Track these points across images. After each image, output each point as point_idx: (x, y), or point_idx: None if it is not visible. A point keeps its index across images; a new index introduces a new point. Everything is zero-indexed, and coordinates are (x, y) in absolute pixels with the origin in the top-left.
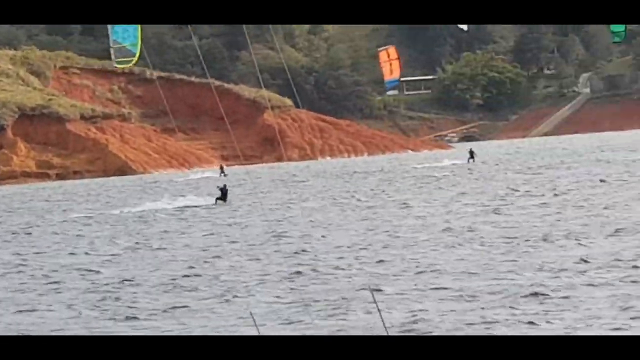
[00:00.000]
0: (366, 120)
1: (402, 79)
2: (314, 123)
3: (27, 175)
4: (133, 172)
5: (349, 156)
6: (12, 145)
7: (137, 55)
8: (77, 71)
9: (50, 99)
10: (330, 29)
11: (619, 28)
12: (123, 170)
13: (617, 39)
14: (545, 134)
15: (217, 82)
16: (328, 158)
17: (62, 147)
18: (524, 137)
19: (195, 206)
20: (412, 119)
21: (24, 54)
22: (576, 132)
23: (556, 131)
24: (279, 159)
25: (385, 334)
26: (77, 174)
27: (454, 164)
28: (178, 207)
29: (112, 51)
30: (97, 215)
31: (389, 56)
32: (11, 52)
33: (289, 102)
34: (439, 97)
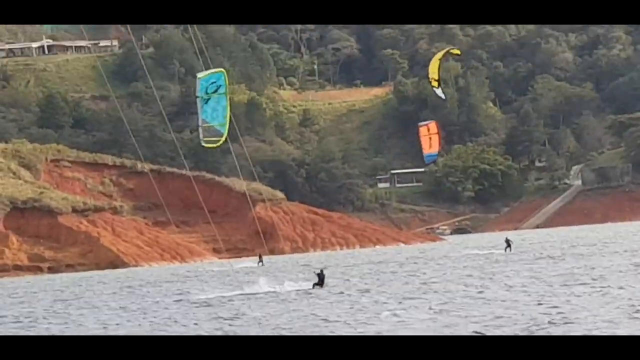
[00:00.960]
0: (358, 213)
1: (392, 171)
2: (305, 216)
3: (19, 269)
4: (125, 265)
5: (341, 249)
6: (4, 238)
7: (225, 135)
8: (68, 164)
9: (41, 192)
10: (322, 121)
11: None
12: (115, 263)
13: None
14: (537, 226)
15: (208, 175)
16: (319, 251)
17: (54, 240)
18: (515, 229)
19: (298, 290)
20: (404, 212)
21: (15, 147)
22: (567, 224)
23: (548, 223)
24: (271, 251)
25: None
26: (69, 267)
27: (491, 252)
28: (290, 291)
29: (200, 130)
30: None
31: (429, 131)
32: (2, 145)
33: (280, 194)
34: (430, 190)
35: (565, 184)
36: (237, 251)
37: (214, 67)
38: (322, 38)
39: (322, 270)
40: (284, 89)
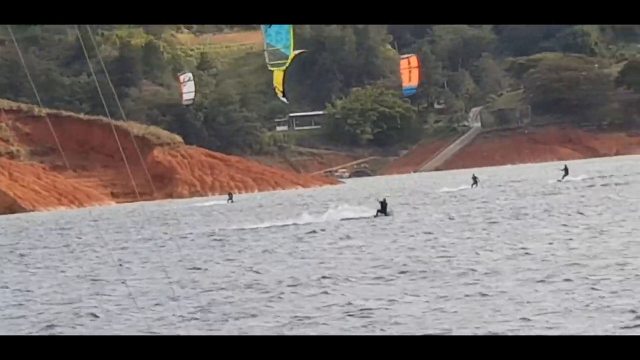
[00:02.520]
0: (256, 156)
1: (291, 114)
2: (203, 160)
3: None
4: (22, 210)
5: (239, 192)
6: None
7: (291, 57)
8: None
9: None
10: (219, 65)
11: None
12: (12, 208)
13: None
14: (436, 169)
15: (105, 119)
16: (217, 195)
17: None
18: (414, 171)
19: (360, 217)
20: (302, 155)
21: None
22: (466, 166)
23: (447, 165)
24: (169, 195)
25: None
26: None
27: (461, 189)
28: (347, 218)
29: (266, 54)
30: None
31: (409, 64)
32: None
33: (178, 138)
34: (328, 133)
35: (464, 126)
36: (134, 195)
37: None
38: None
39: (384, 199)
40: (182, 33)
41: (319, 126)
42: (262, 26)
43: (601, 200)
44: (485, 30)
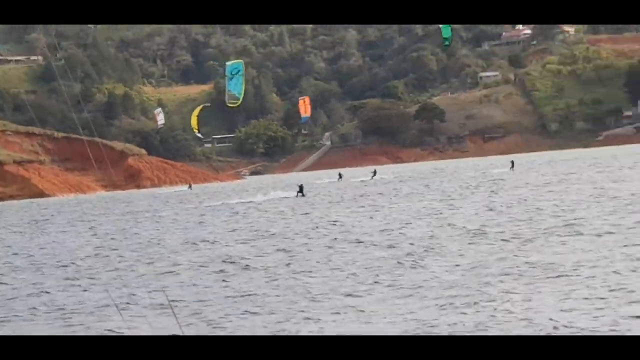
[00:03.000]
0: (192, 162)
1: (213, 136)
2: (160, 165)
3: None
4: (47, 196)
5: (182, 185)
6: None
7: (240, 100)
8: (10, 133)
9: None
10: (170, 106)
11: (447, 34)
12: (41, 195)
13: (446, 43)
14: (303, 170)
15: (99, 140)
16: (169, 186)
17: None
18: (290, 172)
19: (286, 197)
20: (221, 162)
21: None
22: (322, 169)
23: (310, 168)
24: (137, 187)
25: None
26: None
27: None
28: (276, 198)
29: (226, 96)
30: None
31: (305, 102)
32: None
33: (144, 151)
34: (237, 148)
35: (320, 144)
36: (116, 187)
37: (103, 74)
38: (169, 54)
39: (302, 185)
40: (147, 86)
41: (231, 144)
42: (226, 78)
43: (395, 190)
44: (334, 85)
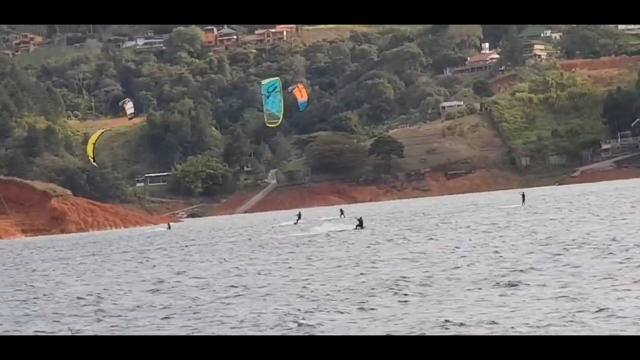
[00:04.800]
0: (122, 204)
1: (146, 175)
2: (86, 206)
3: None
4: None
5: (111, 229)
6: None
7: (280, 119)
8: None
9: None
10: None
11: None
12: None
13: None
14: (246, 212)
15: (18, 179)
16: (96, 231)
17: None
18: (231, 214)
19: (343, 230)
20: (154, 203)
21: None
22: (266, 210)
23: (253, 210)
24: (62, 231)
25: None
26: None
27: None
28: (339, 231)
29: (265, 115)
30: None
31: (299, 88)
32: None
33: (68, 192)
34: (172, 187)
35: (265, 182)
36: (38, 231)
37: (23, 106)
38: (97, 84)
39: (361, 217)
40: (71, 119)
41: (166, 183)
42: (263, 97)
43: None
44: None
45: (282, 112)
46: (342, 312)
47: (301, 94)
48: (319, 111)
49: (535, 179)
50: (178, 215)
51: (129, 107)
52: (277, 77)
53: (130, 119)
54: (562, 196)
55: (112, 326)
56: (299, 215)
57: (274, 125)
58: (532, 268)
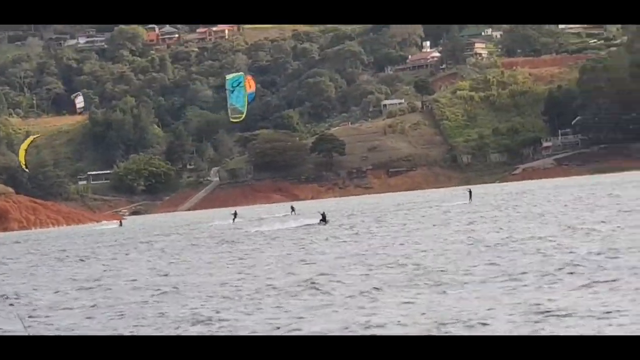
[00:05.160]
0: (65, 202)
1: (89, 172)
2: (28, 204)
3: None
4: None
5: (54, 227)
6: None
7: (244, 114)
8: None
9: None
10: (39, 139)
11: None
12: None
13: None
14: (189, 209)
15: None
16: (39, 229)
17: None
18: (174, 211)
19: (310, 224)
20: (97, 201)
21: None
22: (208, 208)
23: (196, 207)
24: (5, 229)
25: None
26: None
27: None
28: (304, 225)
29: (229, 110)
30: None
31: (248, 80)
32: None
33: (10, 190)
34: (115, 185)
35: (207, 180)
36: None
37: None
38: (38, 82)
39: (324, 212)
40: (13, 117)
41: (108, 180)
42: (227, 91)
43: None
44: (222, 115)
45: (246, 105)
46: (251, 313)
47: (250, 85)
48: (261, 109)
49: (476, 177)
50: (121, 213)
51: (79, 101)
52: (241, 73)
53: (80, 113)
54: (500, 194)
55: (28, 326)
56: (235, 214)
57: (238, 120)
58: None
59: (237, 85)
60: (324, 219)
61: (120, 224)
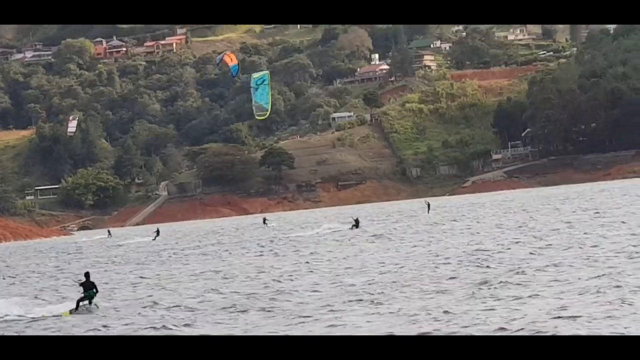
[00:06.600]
0: (12, 217)
1: (36, 187)
2: None
3: None
4: None
5: (1, 242)
6: None
7: (269, 111)
8: None
9: None
10: None
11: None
12: None
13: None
14: (137, 224)
15: None
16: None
17: None
18: (122, 226)
19: (339, 230)
20: (45, 216)
21: None
22: (157, 222)
23: (145, 222)
24: None
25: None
26: None
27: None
28: (333, 230)
29: (253, 108)
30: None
31: (228, 55)
32: None
33: None
34: (63, 200)
35: (156, 194)
36: None
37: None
38: None
39: (357, 218)
40: None
41: (56, 195)
42: (252, 88)
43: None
44: (170, 129)
45: (270, 103)
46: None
47: (231, 59)
48: (209, 123)
49: (426, 190)
50: (69, 228)
51: (72, 125)
52: (267, 71)
53: (70, 137)
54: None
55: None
56: (157, 232)
57: (263, 117)
58: None
59: (262, 83)
60: (356, 225)
61: (109, 234)
